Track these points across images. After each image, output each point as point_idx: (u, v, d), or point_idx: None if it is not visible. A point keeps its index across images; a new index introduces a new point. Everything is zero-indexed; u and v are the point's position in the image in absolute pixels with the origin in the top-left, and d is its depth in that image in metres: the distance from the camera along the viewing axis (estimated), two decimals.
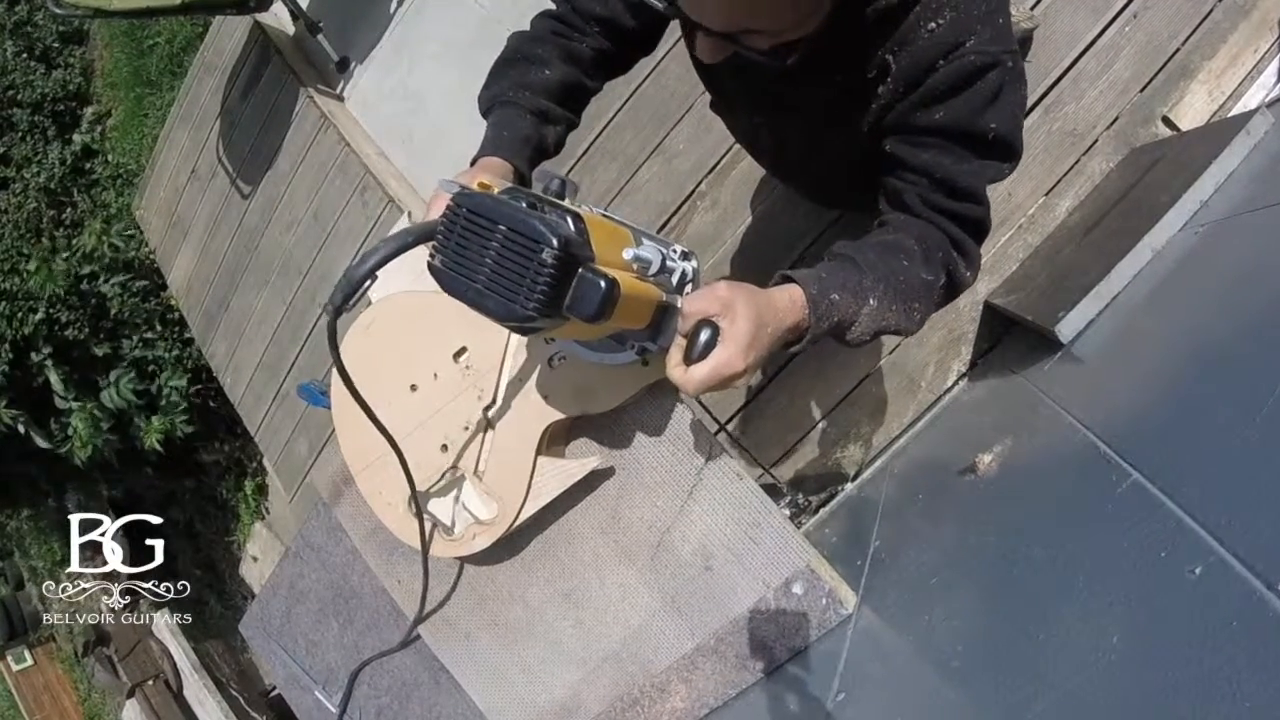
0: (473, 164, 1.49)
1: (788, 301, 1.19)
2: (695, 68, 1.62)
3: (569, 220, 1.08)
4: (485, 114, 1.57)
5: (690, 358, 1.14)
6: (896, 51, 1.21)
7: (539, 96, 1.54)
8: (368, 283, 1.15)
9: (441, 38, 3.92)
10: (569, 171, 3.24)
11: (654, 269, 1.19)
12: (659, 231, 3.05)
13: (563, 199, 1.28)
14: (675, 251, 1.31)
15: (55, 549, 7.70)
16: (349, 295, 1.14)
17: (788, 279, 1.23)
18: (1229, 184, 1.84)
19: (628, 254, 1.14)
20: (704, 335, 1.12)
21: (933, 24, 1.17)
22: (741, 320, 1.11)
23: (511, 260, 1.03)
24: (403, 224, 1.83)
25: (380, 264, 1.13)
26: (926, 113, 1.23)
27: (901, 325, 1.31)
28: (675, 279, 1.27)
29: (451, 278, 1.09)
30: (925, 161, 1.27)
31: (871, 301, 1.24)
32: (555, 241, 1.00)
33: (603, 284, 1.04)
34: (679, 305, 1.25)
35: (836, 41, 1.22)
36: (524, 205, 1.06)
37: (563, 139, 1.63)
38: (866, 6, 1.18)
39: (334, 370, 1.85)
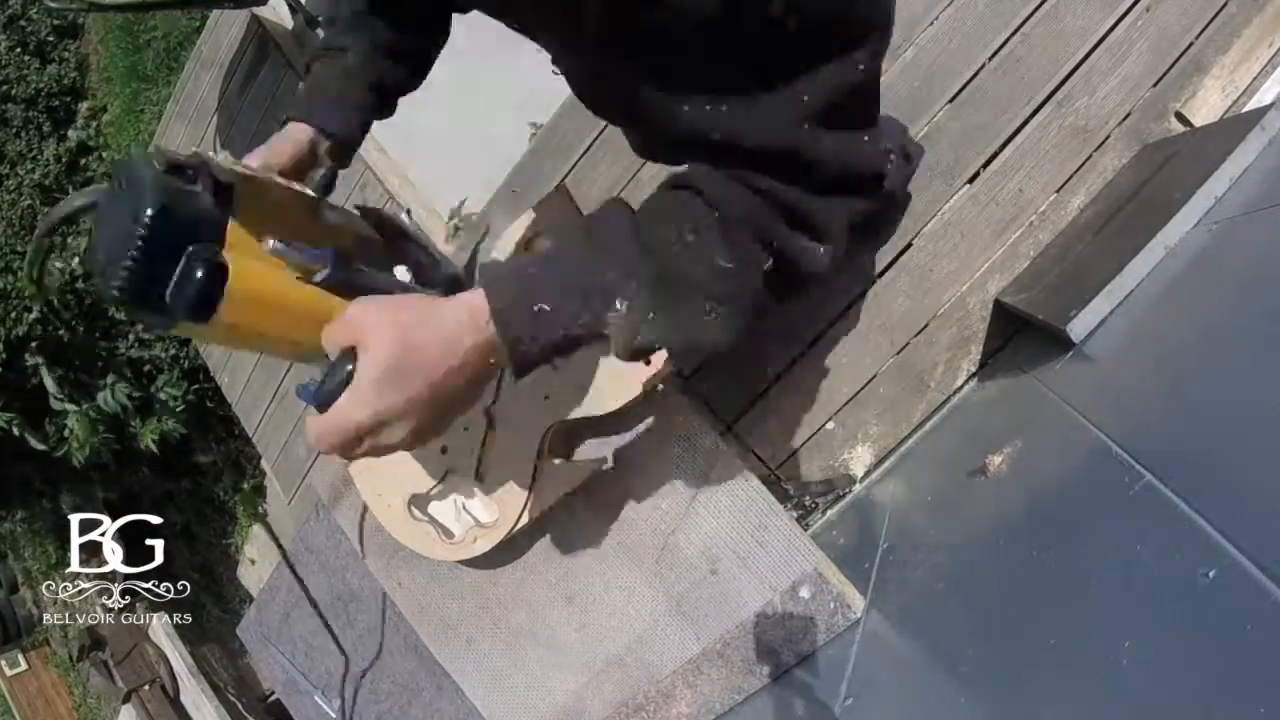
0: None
1: (466, 316, 0.88)
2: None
3: (206, 192, 0.90)
4: (306, 69, 1.30)
5: (320, 405, 0.87)
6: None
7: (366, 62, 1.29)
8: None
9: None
10: (570, 170, 3.24)
11: (320, 271, 0.97)
12: None
13: (330, 189, 1.17)
14: (438, 274, 1.14)
15: (50, 552, 7.69)
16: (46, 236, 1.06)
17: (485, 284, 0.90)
18: (1243, 180, 1.84)
19: (268, 244, 0.93)
20: (333, 376, 0.86)
21: None
22: (372, 352, 0.84)
23: (117, 225, 0.86)
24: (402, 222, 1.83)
25: (62, 221, 1.03)
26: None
27: (678, 338, 0.92)
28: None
29: (93, 253, 0.92)
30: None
31: (618, 306, 0.90)
32: (150, 205, 0.83)
33: (199, 272, 0.86)
34: None
35: None
36: (175, 159, 0.90)
37: (393, 105, 1.41)
38: None
39: None
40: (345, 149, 1.27)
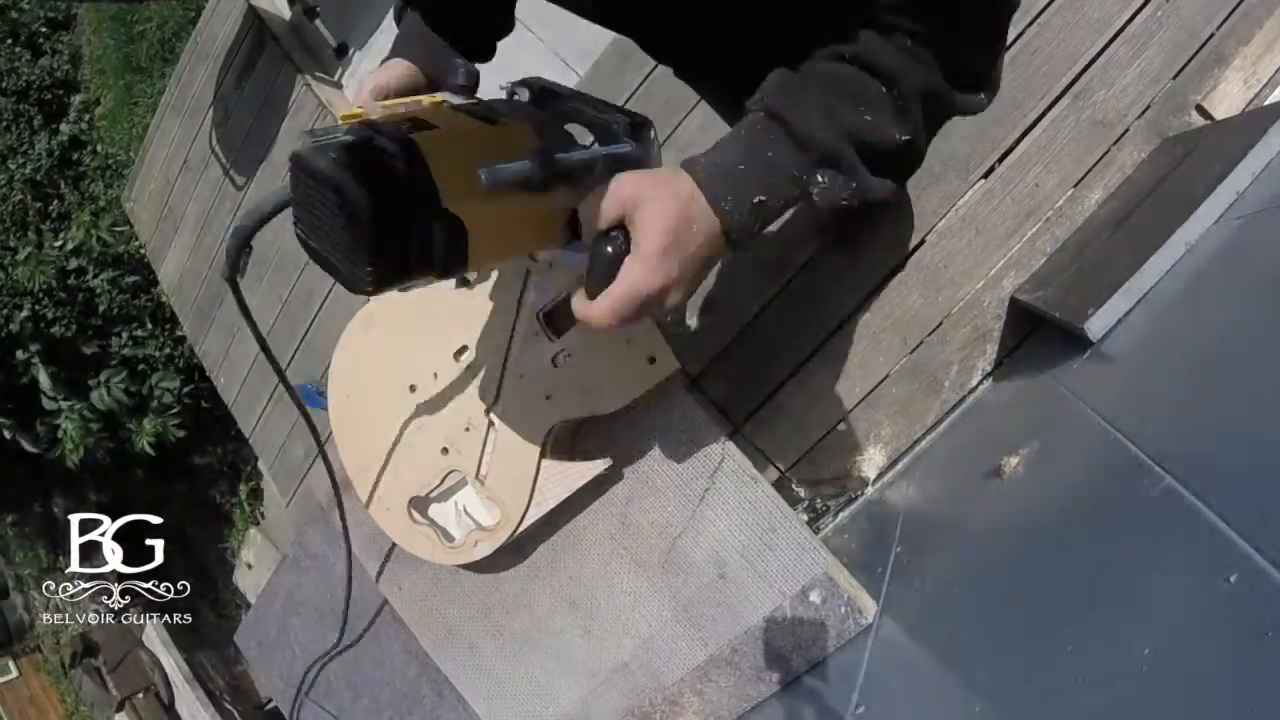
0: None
1: (703, 204, 0.96)
2: None
3: (395, 147, 0.89)
4: (398, 18, 1.40)
5: (592, 284, 0.97)
6: None
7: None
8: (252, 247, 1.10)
9: None
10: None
11: (527, 174, 0.96)
12: None
13: (474, 91, 1.19)
14: (618, 123, 1.12)
15: (42, 556, 7.72)
16: (238, 253, 1.10)
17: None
18: (1266, 175, 1.83)
19: (481, 176, 0.93)
20: (607, 250, 0.95)
21: None
22: (653, 220, 0.93)
23: (335, 219, 0.88)
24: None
25: (267, 218, 1.07)
26: None
27: (871, 198, 1.00)
28: (599, 170, 1.06)
29: (310, 248, 0.97)
30: None
31: (821, 179, 0.98)
32: (360, 191, 0.84)
33: (438, 236, 0.90)
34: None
35: None
36: (348, 139, 0.89)
37: (478, 46, 1.40)
38: None
39: (331, 372, 1.86)
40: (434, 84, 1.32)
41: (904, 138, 0.96)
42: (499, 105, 1.14)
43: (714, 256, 0.99)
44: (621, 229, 0.95)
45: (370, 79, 1.26)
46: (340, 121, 0.99)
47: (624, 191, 0.93)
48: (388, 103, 1.12)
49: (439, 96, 1.12)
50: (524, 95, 1.23)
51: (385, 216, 0.86)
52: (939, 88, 0.96)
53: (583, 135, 1.10)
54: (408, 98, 1.16)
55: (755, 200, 0.96)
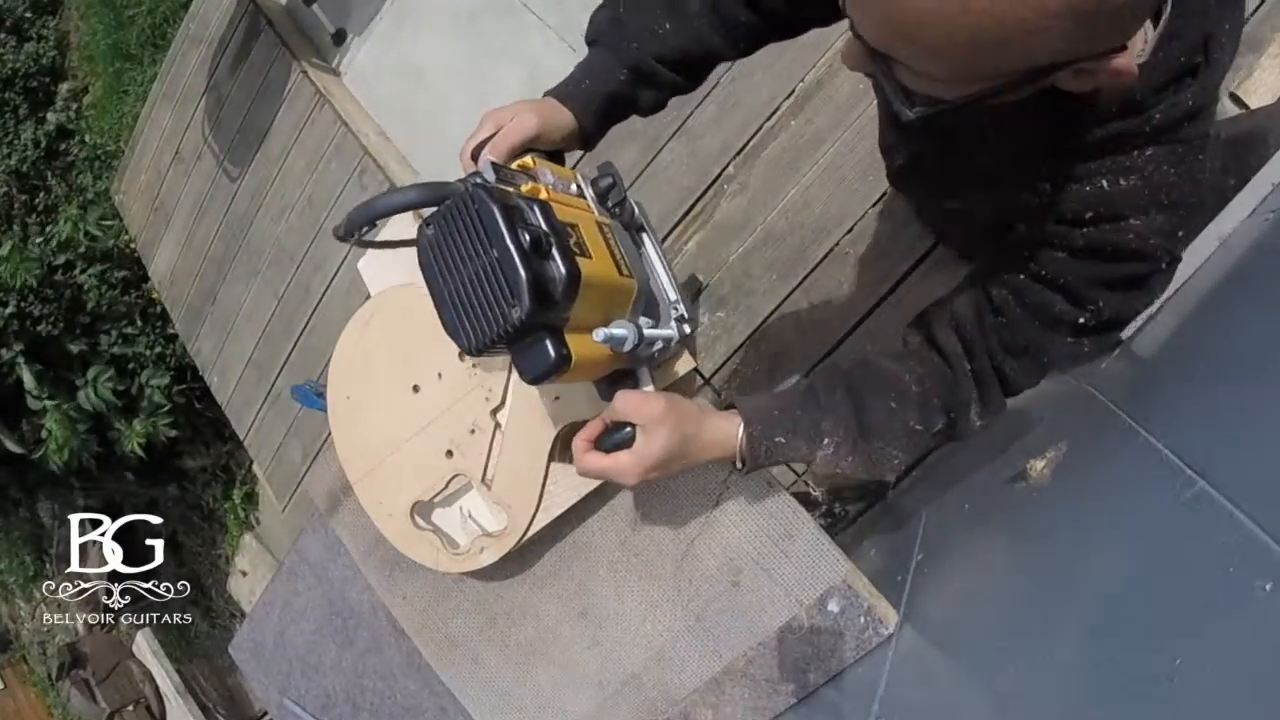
0: (544, 95, 1.46)
1: (723, 437, 1.32)
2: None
3: (562, 275, 1.07)
4: (588, 42, 1.51)
5: (598, 443, 1.32)
6: (1058, 182, 1.12)
7: (649, 53, 1.41)
8: (376, 225, 1.16)
9: (446, 8, 3.92)
10: (582, 156, 3.22)
11: (626, 346, 1.24)
12: (683, 218, 3.05)
13: (607, 202, 1.40)
14: (674, 310, 1.44)
15: (28, 562, 7.72)
16: (358, 228, 1.13)
17: (734, 408, 1.36)
18: None
19: (599, 335, 1.18)
20: (619, 434, 1.29)
21: (1112, 181, 1.08)
22: (657, 444, 1.25)
23: (484, 289, 1.05)
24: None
25: (397, 210, 1.15)
26: (1047, 254, 1.16)
27: (864, 471, 1.35)
28: (655, 349, 1.37)
29: (430, 261, 1.11)
30: (1003, 299, 1.23)
31: (827, 446, 1.32)
32: (527, 306, 1.02)
33: (552, 357, 1.09)
34: (642, 377, 1.39)
35: (991, 122, 1.16)
36: (527, 241, 1.03)
37: (662, 102, 1.55)
38: (1071, 128, 1.07)
39: (330, 371, 1.86)
40: (587, 136, 1.52)
41: (916, 426, 1.32)
42: (619, 231, 1.38)
43: (711, 461, 1.36)
44: (631, 426, 1.28)
45: (494, 121, 1.37)
46: (517, 167, 1.27)
47: (655, 410, 1.26)
48: (553, 172, 1.34)
49: (585, 203, 1.34)
50: (605, 182, 1.43)
51: (520, 327, 1.05)
52: (957, 403, 1.33)
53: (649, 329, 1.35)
54: (561, 178, 1.35)
55: (776, 439, 1.32)
